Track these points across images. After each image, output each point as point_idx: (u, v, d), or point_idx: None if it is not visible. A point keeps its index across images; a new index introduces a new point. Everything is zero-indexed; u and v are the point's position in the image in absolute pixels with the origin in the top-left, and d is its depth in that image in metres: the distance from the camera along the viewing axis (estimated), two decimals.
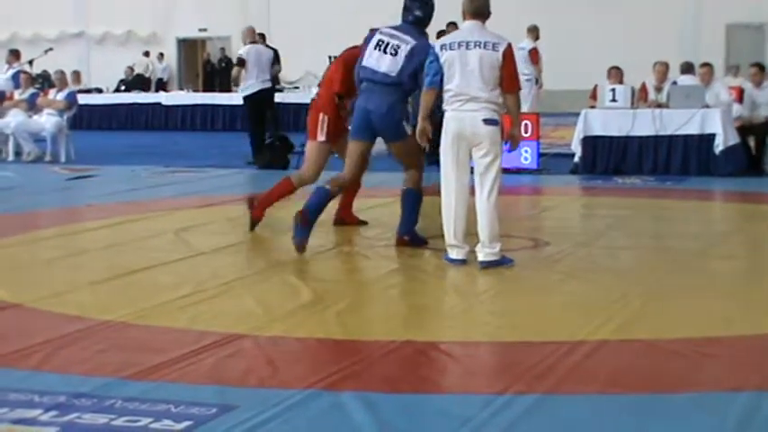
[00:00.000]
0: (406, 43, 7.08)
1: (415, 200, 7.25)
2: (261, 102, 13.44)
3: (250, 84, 13.33)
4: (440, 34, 11.32)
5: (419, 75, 6.90)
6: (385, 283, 6.31)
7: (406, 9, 7.22)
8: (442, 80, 6.53)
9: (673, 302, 5.64)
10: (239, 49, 13.87)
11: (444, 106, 6.60)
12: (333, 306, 5.60)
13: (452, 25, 13.22)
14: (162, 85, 26.12)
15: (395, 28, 7.21)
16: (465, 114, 6.46)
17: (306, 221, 7.02)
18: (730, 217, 9.45)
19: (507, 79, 6.50)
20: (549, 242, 7.46)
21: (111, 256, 7.23)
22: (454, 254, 6.59)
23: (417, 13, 7.16)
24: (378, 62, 7.12)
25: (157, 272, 6.57)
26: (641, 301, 5.59)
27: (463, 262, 6.55)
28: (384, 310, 5.71)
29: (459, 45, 6.49)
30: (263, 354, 4.66)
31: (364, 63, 7.19)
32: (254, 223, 7.88)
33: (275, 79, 14.77)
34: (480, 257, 6.46)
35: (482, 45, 6.45)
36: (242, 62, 13.33)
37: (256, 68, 13.28)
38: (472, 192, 6.63)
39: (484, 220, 6.44)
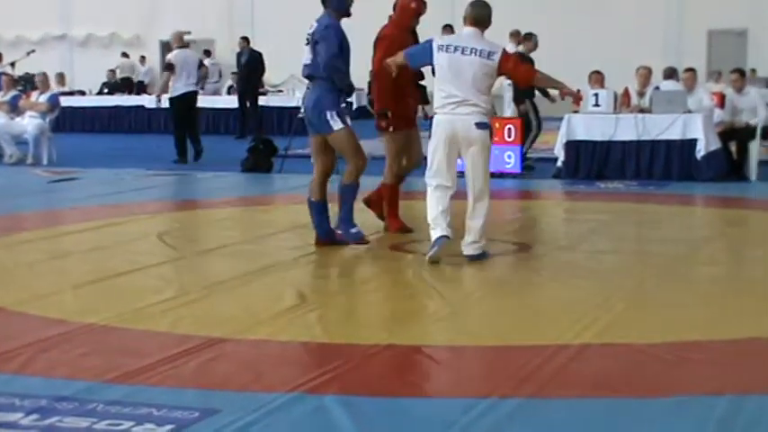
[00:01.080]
0: (313, 28, 7.19)
1: (345, 193, 7.24)
2: (187, 104, 14.18)
3: (177, 87, 14.07)
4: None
5: (323, 55, 7.03)
6: (369, 286, 6.31)
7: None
8: (418, 66, 6.98)
9: (655, 307, 5.67)
10: (168, 54, 14.67)
11: (435, 108, 6.76)
12: (316, 309, 5.60)
13: (448, 28, 13.25)
14: (143, 88, 26.02)
15: (317, 20, 7.30)
16: (457, 117, 6.65)
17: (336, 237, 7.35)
18: (712, 222, 9.50)
19: (519, 75, 7.05)
20: (531, 246, 7.48)
21: (94, 259, 7.20)
22: (438, 232, 6.68)
23: None
24: (304, 57, 7.25)
25: (140, 275, 6.55)
26: (624, 306, 5.61)
27: (447, 238, 6.67)
28: (367, 314, 5.71)
29: (456, 49, 6.67)
30: (245, 357, 4.65)
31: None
32: (407, 231, 7.77)
33: (202, 82, 16.22)
34: (468, 252, 6.73)
35: (478, 52, 6.63)
36: (171, 66, 14.08)
37: (184, 72, 14.07)
38: (460, 196, 6.75)
39: (476, 218, 6.71)
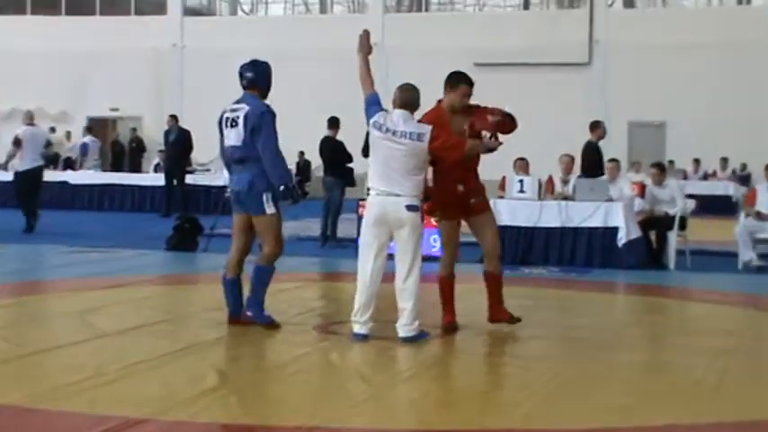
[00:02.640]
0: (242, 110, 7.22)
1: (262, 275, 7.28)
2: (32, 178, 15.16)
3: (24, 161, 15.11)
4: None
5: (256, 139, 7.09)
6: (293, 367, 6.25)
7: (240, 77, 7.35)
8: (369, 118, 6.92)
9: (576, 392, 5.71)
10: (17, 131, 15.59)
11: (369, 183, 6.94)
12: (238, 391, 5.52)
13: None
14: (70, 164, 25.72)
15: (236, 101, 7.35)
16: (388, 200, 6.83)
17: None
18: (631, 309, 9.65)
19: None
20: (456, 330, 7.50)
21: (9, 336, 7.00)
22: (356, 328, 6.92)
23: (249, 75, 7.31)
24: (228, 139, 7.29)
25: (57, 354, 6.40)
26: (546, 391, 5.64)
27: (365, 337, 6.86)
28: (291, 395, 5.65)
29: (387, 130, 6.87)
30: None
31: (224, 145, 7.36)
32: (516, 320, 7.45)
33: (48, 158, 17.48)
34: (401, 334, 6.84)
35: (408, 135, 6.83)
36: (18, 142, 15.03)
37: (30, 148, 15.08)
38: (391, 278, 6.81)
39: (405, 300, 6.85)
